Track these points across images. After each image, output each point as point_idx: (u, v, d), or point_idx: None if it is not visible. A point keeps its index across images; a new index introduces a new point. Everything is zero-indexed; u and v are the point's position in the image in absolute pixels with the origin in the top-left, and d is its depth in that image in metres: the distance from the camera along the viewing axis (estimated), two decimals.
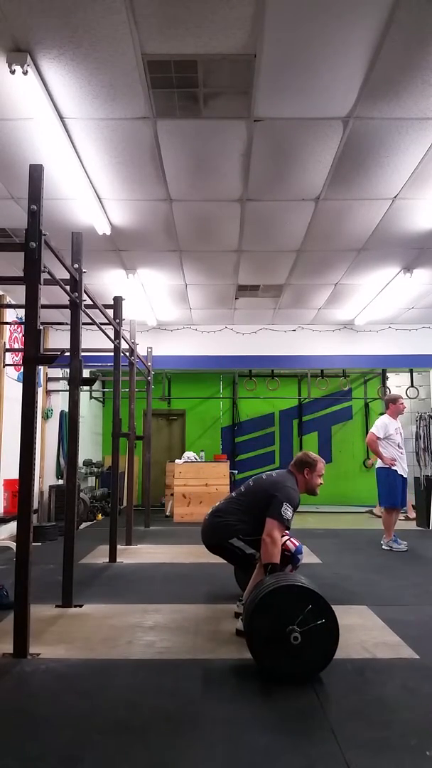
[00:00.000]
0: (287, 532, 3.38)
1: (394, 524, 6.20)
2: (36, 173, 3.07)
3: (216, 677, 2.64)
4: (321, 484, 3.50)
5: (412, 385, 10.08)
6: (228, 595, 3.91)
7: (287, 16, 2.84)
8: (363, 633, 3.22)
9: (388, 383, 10.89)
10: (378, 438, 6.18)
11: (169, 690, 2.50)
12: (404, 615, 3.57)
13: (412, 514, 8.78)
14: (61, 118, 3.66)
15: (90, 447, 10.31)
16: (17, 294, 7.15)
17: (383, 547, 6.11)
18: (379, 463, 6.26)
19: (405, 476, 6.26)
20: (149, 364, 7.95)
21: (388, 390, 10.56)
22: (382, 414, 6.62)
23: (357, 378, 11.55)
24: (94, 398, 11.01)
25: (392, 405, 6.36)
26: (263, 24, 2.88)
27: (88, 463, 9.51)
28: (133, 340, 6.41)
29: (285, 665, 2.56)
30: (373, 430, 6.27)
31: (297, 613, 2.57)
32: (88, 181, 4.46)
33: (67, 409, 7.26)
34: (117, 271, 6.62)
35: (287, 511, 3.18)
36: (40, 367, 4.00)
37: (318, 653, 2.58)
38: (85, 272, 3.99)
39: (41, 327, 3.02)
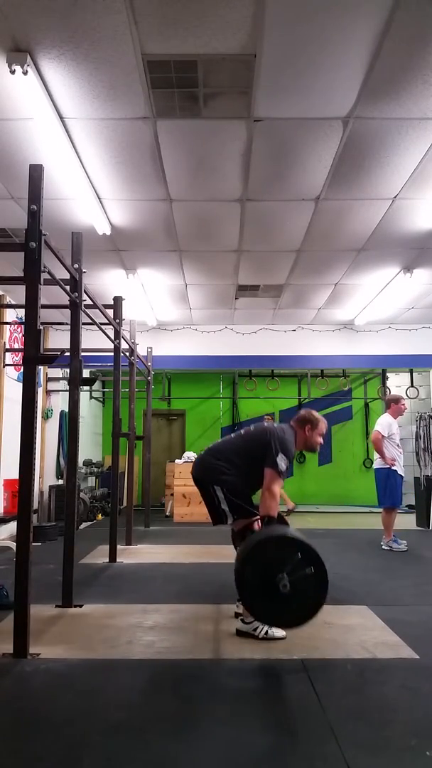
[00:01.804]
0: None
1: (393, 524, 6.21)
2: (36, 173, 3.07)
3: (216, 677, 2.64)
4: (321, 443, 3.50)
5: (412, 385, 10.09)
6: (228, 595, 3.90)
7: (287, 16, 2.84)
8: (363, 633, 3.22)
9: (388, 383, 10.89)
10: (383, 436, 6.18)
11: (169, 690, 2.50)
12: (404, 615, 3.57)
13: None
14: (61, 118, 3.66)
15: (90, 447, 10.31)
16: (17, 294, 7.14)
17: (383, 547, 6.11)
18: (379, 463, 6.24)
19: (403, 476, 6.28)
20: (149, 364, 7.95)
21: (388, 390, 10.56)
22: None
23: (357, 378, 11.55)
24: (94, 398, 11.01)
25: (394, 405, 6.36)
26: (263, 24, 2.88)
27: (88, 463, 9.51)
28: (133, 340, 6.41)
29: (276, 613, 2.65)
30: (378, 428, 6.23)
31: (286, 562, 2.64)
32: (88, 181, 4.46)
33: (67, 409, 7.26)
34: (117, 271, 6.62)
35: (282, 462, 3.18)
36: (40, 367, 4.00)
37: (308, 600, 2.65)
38: (85, 272, 3.99)
39: (41, 327, 3.02)
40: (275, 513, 3.11)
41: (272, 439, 3.27)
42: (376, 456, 6.35)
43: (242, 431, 3.58)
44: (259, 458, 3.24)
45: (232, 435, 3.60)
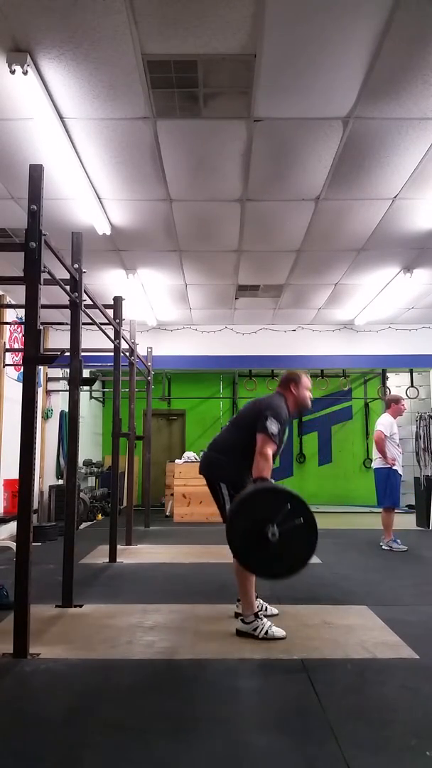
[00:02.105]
0: None
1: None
2: (36, 173, 3.07)
3: (216, 677, 2.64)
4: (310, 397, 3.52)
5: (412, 385, 10.09)
6: (228, 595, 3.90)
7: (287, 16, 2.84)
8: (363, 633, 3.22)
9: (388, 383, 10.89)
10: (385, 436, 6.19)
11: (169, 690, 2.50)
12: (404, 615, 3.57)
13: None
14: (61, 118, 3.66)
15: (90, 447, 10.31)
16: (17, 294, 7.14)
17: (383, 547, 6.11)
18: (379, 463, 6.23)
19: (402, 476, 6.30)
20: (149, 364, 7.95)
21: (388, 390, 10.57)
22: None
23: (357, 378, 11.55)
24: (94, 398, 11.01)
25: (394, 405, 6.36)
26: (263, 24, 2.88)
27: (88, 463, 9.51)
28: (133, 340, 6.41)
29: (267, 563, 2.74)
30: (380, 428, 6.22)
31: (276, 513, 2.70)
32: (88, 181, 4.46)
33: (67, 409, 7.26)
34: (117, 271, 6.62)
35: (272, 425, 3.17)
36: (40, 367, 4.00)
37: (298, 551, 2.73)
38: (85, 272, 3.99)
39: (41, 327, 3.02)
40: (268, 475, 3.10)
41: (262, 406, 3.30)
42: (375, 456, 6.34)
43: (236, 414, 3.64)
44: (253, 431, 3.24)
45: (229, 421, 3.65)
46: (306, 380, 3.51)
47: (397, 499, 6.17)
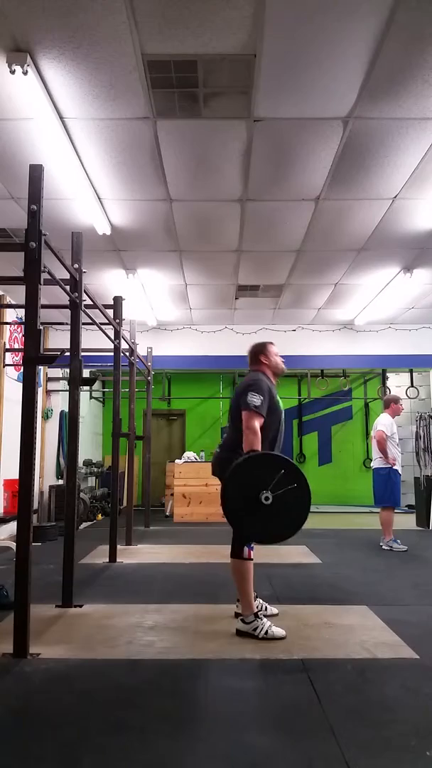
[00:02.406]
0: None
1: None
2: (36, 173, 3.07)
3: (216, 677, 2.64)
4: (281, 360, 3.57)
5: (412, 385, 10.08)
6: (228, 595, 3.90)
7: (287, 16, 2.84)
8: (363, 633, 3.22)
9: (388, 383, 10.89)
10: (386, 436, 6.19)
11: (169, 690, 2.50)
12: (404, 615, 3.57)
13: None
14: (61, 118, 3.66)
15: (90, 447, 10.31)
16: (17, 294, 7.15)
17: (383, 547, 6.11)
18: (379, 463, 6.22)
19: (401, 475, 6.32)
20: (149, 364, 7.95)
21: (388, 390, 10.57)
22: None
23: (357, 378, 11.55)
24: (94, 398, 11.01)
25: (393, 405, 6.37)
26: (263, 24, 2.88)
27: (88, 463, 9.51)
28: (133, 340, 6.41)
29: (261, 527, 2.82)
30: (381, 428, 6.22)
31: (269, 479, 2.79)
32: (88, 181, 4.46)
33: (67, 409, 7.26)
34: (117, 271, 6.62)
35: (253, 398, 3.19)
36: (40, 367, 4.00)
37: (292, 514, 2.82)
38: (85, 272, 3.99)
39: (41, 327, 3.02)
40: (258, 447, 3.11)
41: (241, 386, 3.35)
42: (374, 456, 6.33)
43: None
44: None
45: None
46: (272, 347, 3.57)
47: (398, 499, 6.17)
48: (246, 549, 3.21)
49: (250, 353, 3.58)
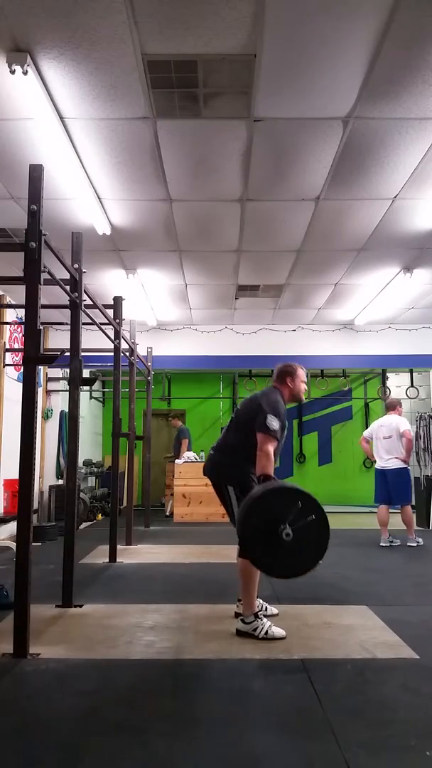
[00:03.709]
0: None
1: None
2: (36, 173, 3.07)
3: (216, 677, 2.64)
4: (305, 389, 3.53)
5: (412, 385, 10.08)
6: (228, 595, 3.90)
7: (287, 16, 2.84)
8: (363, 633, 3.22)
9: (388, 383, 10.89)
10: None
11: (169, 690, 2.50)
12: (404, 615, 3.57)
13: None
14: (61, 118, 3.66)
15: (90, 447, 10.30)
16: (17, 294, 7.15)
17: (412, 545, 6.15)
18: (399, 464, 6.26)
19: None
20: (149, 364, 7.95)
21: (388, 390, 10.57)
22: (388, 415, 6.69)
23: (357, 378, 11.54)
24: (94, 398, 11.01)
25: (399, 407, 6.51)
26: (263, 24, 2.88)
27: (88, 463, 9.51)
28: (133, 340, 6.41)
29: (281, 562, 2.72)
30: (409, 428, 6.29)
31: (287, 512, 2.69)
32: (88, 181, 4.46)
33: (67, 409, 7.26)
34: (117, 271, 6.62)
35: (272, 421, 3.17)
36: (40, 367, 4.00)
37: (311, 547, 2.74)
38: (85, 272, 3.99)
39: (41, 327, 3.02)
40: (271, 471, 3.09)
41: (261, 402, 3.29)
42: (389, 456, 6.29)
43: (233, 414, 3.62)
44: (253, 429, 3.22)
45: (228, 424, 3.61)
46: (301, 372, 3.52)
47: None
48: None
49: (278, 370, 3.52)
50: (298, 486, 2.91)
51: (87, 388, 10.02)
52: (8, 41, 2.99)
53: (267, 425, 3.15)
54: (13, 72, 3.07)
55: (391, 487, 6.31)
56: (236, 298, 7.84)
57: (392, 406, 6.51)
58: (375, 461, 6.55)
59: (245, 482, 3.25)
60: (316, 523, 2.72)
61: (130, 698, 2.40)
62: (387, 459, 6.32)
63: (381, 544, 6.21)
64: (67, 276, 3.82)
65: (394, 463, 6.27)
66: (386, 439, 6.31)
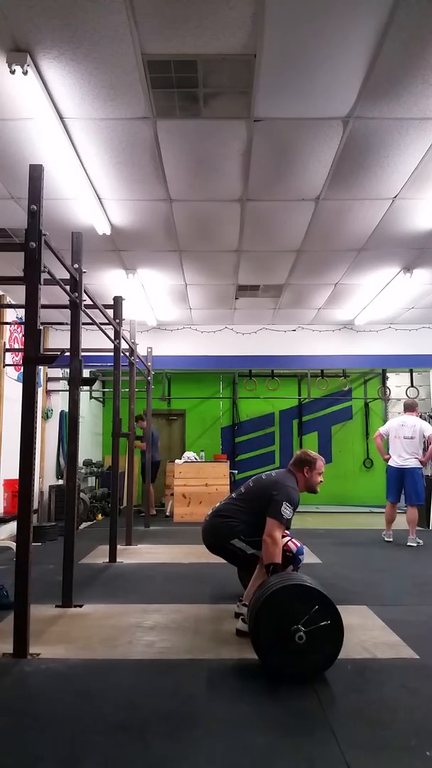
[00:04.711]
0: (287, 532, 3.37)
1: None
2: (36, 173, 3.07)
3: (216, 677, 2.64)
4: (321, 482, 3.50)
5: (412, 385, 10.08)
6: (228, 595, 3.90)
7: (287, 16, 2.84)
8: (363, 633, 3.22)
9: (388, 383, 10.89)
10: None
11: (169, 690, 2.50)
12: (404, 615, 3.57)
13: None
14: (61, 118, 3.66)
15: (90, 447, 10.30)
16: (17, 294, 7.15)
17: (412, 545, 6.16)
18: (418, 464, 6.35)
19: None
20: (149, 364, 7.95)
21: (388, 390, 10.58)
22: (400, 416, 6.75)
23: (357, 378, 11.55)
24: (94, 398, 11.01)
25: (417, 408, 6.66)
26: (263, 24, 2.88)
27: (88, 463, 9.51)
28: (133, 340, 6.41)
29: (289, 664, 2.56)
30: None
31: (302, 613, 2.57)
32: (88, 181, 4.46)
33: (67, 409, 7.26)
34: (117, 271, 6.62)
35: (287, 510, 3.17)
36: (40, 367, 4.00)
37: (322, 653, 2.58)
38: (85, 272, 3.99)
39: (41, 327, 3.02)
40: (279, 559, 3.09)
41: (274, 489, 3.28)
42: (409, 455, 6.36)
43: (242, 488, 3.58)
44: (263, 509, 3.23)
45: (233, 494, 3.59)
46: (320, 464, 3.50)
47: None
48: None
49: (297, 457, 3.51)
50: (316, 583, 2.76)
51: (87, 388, 10.02)
52: (8, 41, 2.99)
53: (281, 513, 3.15)
54: (13, 72, 3.07)
55: (408, 486, 6.37)
56: (236, 298, 7.84)
57: (411, 407, 6.62)
58: (387, 459, 6.59)
59: (250, 534, 3.27)
60: (329, 628, 2.57)
61: (130, 698, 2.40)
62: (407, 458, 6.39)
63: (385, 539, 6.33)
64: (67, 276, 3.82)
65: (414, 463, 6.37)
66: (407, 439, 6.40)
